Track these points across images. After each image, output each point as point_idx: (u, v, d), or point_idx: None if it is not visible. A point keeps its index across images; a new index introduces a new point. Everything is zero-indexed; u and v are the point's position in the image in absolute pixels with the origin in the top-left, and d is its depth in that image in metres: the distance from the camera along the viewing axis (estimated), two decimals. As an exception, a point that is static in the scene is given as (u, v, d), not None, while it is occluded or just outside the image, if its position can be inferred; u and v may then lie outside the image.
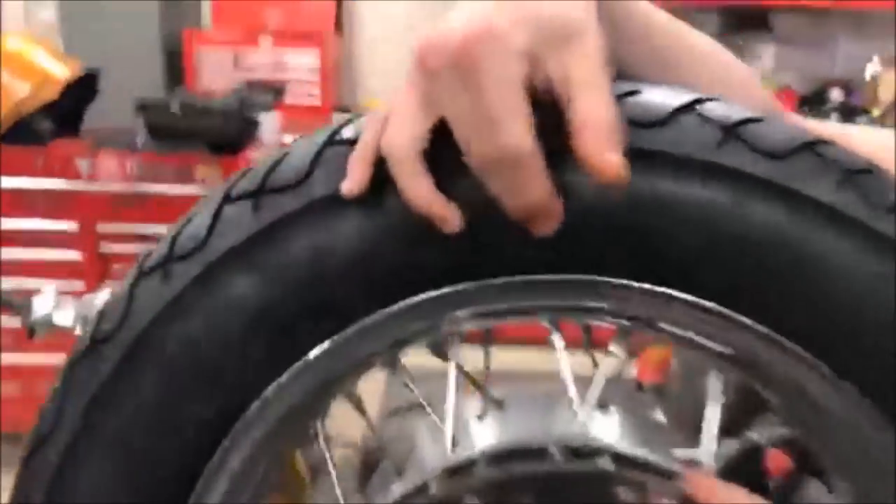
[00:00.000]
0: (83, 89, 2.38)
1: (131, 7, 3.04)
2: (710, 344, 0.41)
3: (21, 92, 2.25)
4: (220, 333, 0.41)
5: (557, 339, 0.45)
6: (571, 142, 0.35)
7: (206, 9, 3.42)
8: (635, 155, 0.37)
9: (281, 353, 0.41)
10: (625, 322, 0.43)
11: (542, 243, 0.38)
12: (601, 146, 0.35)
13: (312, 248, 0.40)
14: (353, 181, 0.39)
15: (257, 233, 0.40)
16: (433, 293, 0.41)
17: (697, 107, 0.39)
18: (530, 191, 0.36)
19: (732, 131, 0.38)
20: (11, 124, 2.22)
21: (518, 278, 0.40)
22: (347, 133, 0.41)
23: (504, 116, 0.35)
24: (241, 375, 0.41)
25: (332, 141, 0.41)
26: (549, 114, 0.36)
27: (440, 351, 0.47)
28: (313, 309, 0.41)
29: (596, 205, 0.38)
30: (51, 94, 2.26)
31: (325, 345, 0.41)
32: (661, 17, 0.46)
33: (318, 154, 0.41)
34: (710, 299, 0.39)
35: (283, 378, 0.42)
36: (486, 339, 0.48)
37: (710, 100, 0.39)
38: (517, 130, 0.35)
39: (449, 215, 0.37)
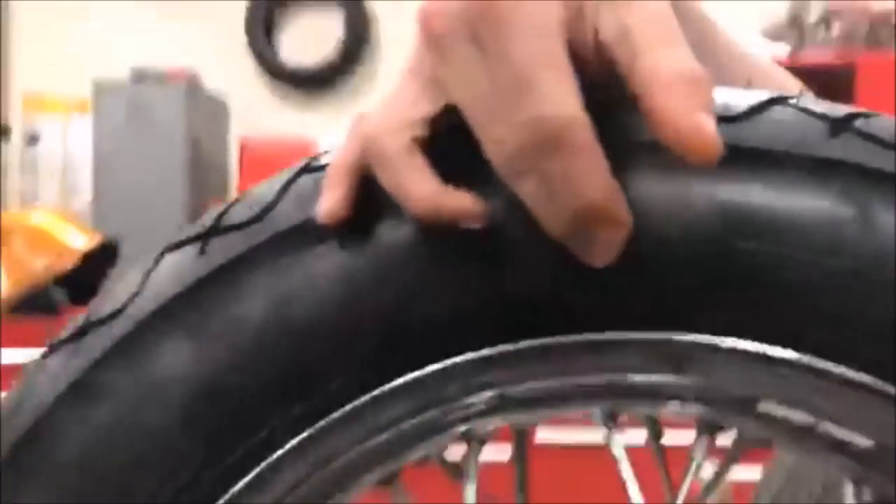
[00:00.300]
0: (103, 259, 2.37)
1: (160, 179, 3.11)
2: (841, 434, 0.29)
3: (36, 266, 2.23)
4: (139, 426, 0.29)
5: (616, 443, 0.33)
6: (641, 103, 0.24)
7: (233, 179, 3.50)
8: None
9: (230, 453, 0.29)
10: (712, 408, 0.30)
11: (591, 281, 0.27)
12: (686, 102, 0.24)
13: (275, 299, 0.29)
14: (331, 200, 0.28)
15: (199, 281, 0.30)
16: (439, 365, 0.29)
17: (793, 99, 0.29)
18: (583, 184, 0.24)
19: (843, 123, 0.28)
20: (25, 296, 2.19)
21: (557, 340, 0.29)
22: (328, 158, 0.32)
23: (539, 76, 0.24)
24: (171, 489, 0.29)
25: (308, 168, 0.32)
26: (595, 83, 0.26)
27: (450, 465, 0.34)
28: (275, 388, 0.29)
29: (667, 220, 0.27)
30: (67, 264, 2.24)
31: (294, 442, 0.29)
32: (713, 20, 0.40)
33: (289, 183, 0.31)
34: (844, 363, 0.27)
35: (234, 492, 0.30)
36: (519, 446, 0.35)
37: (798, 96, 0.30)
38: (559, 94, 0.24)
39: (469, 205, 0.26)
